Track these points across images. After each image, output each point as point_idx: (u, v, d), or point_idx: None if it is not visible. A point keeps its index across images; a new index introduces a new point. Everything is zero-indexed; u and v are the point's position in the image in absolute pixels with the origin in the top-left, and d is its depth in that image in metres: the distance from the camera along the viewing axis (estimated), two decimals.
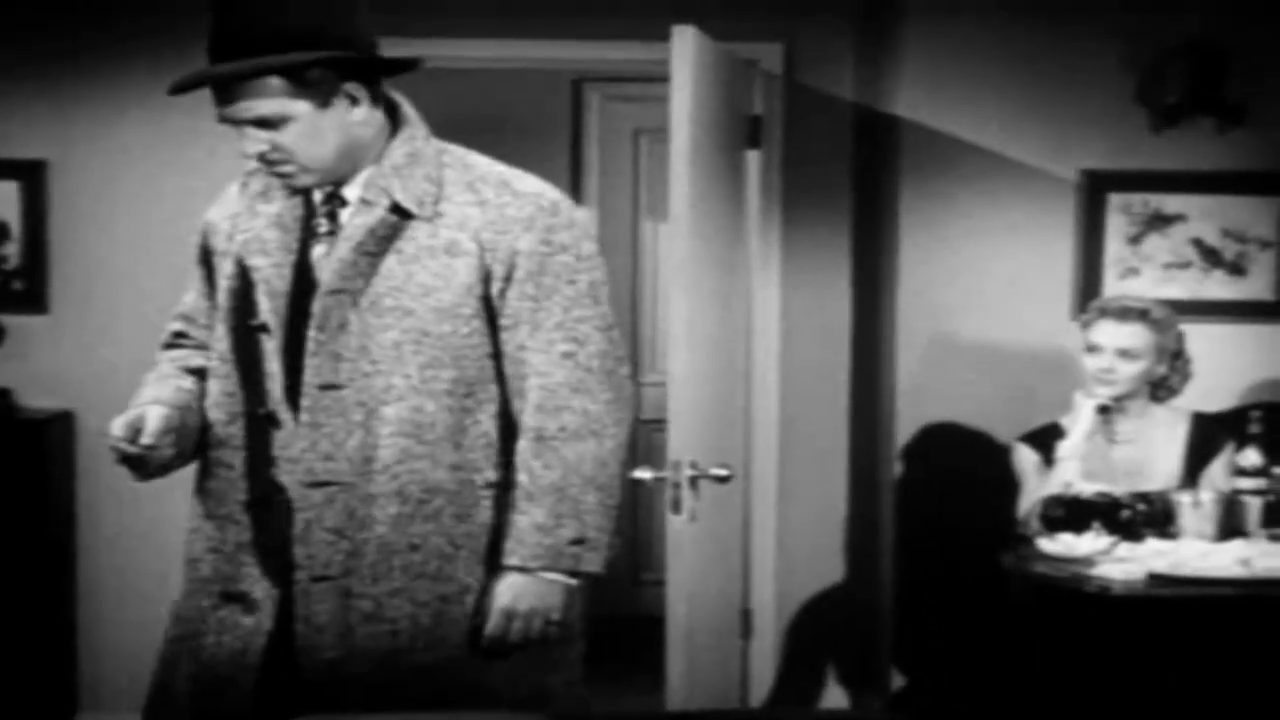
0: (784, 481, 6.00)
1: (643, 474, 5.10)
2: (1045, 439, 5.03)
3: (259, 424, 3.26)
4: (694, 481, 5.05)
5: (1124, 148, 5.84)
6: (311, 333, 3.19)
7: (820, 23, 5.89)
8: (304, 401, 3.20)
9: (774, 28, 5.89)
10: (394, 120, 3.29)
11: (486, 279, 3.22)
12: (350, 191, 3.25)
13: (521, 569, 3.22)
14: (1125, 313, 4.95)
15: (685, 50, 5.01)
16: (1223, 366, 5.81)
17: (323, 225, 3.26)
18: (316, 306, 3.19)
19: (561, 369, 3.24)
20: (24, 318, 5.86)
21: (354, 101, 3.19)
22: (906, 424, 5.94)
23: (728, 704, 5.99)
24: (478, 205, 3.23)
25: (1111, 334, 4.93)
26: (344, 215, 3.25)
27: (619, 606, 7.73)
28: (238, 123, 3.15)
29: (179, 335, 3.45)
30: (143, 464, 3.21)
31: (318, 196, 3.27)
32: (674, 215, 5.05)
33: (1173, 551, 4.49)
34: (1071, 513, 4.72)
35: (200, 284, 3.41)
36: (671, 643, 5.13)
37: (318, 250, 3.25)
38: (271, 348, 3.22)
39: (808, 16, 5.89)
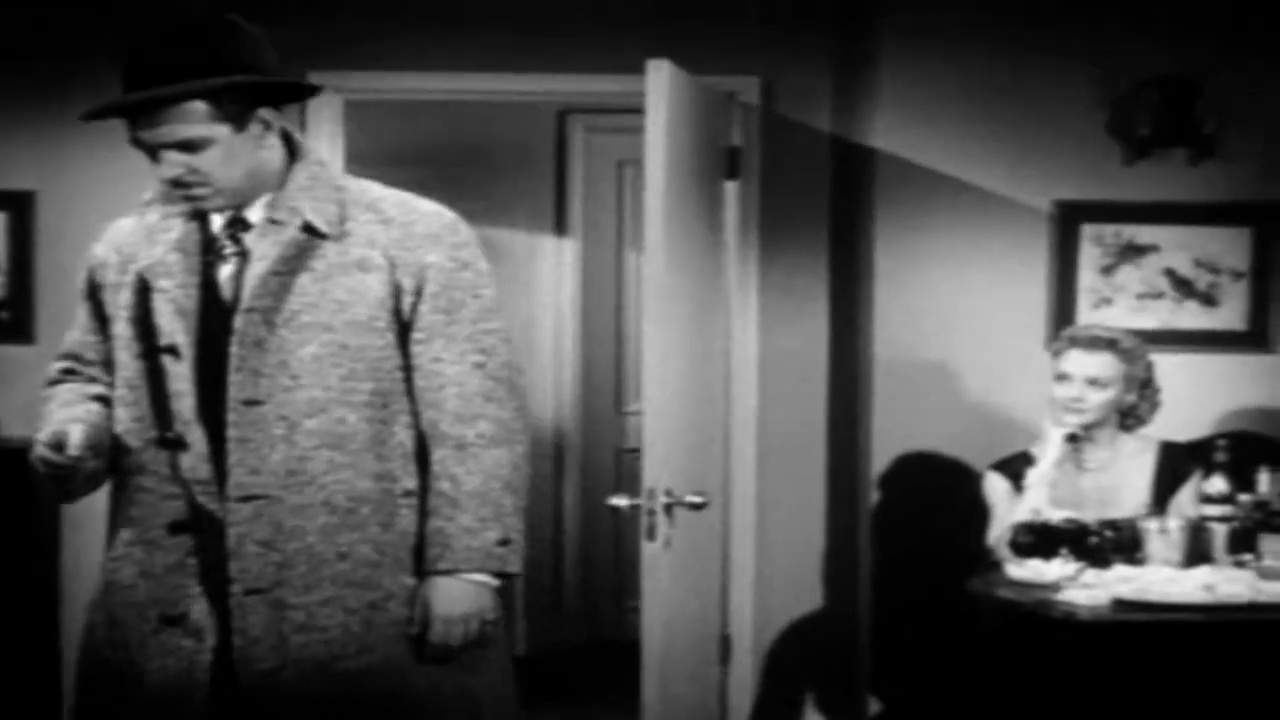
0: (762, 508, 6.07)
1: (619, 501, 5.21)
2: (1015, 467, 5.10)
3: (170, 446, 3.34)
4: (669, 509, 5.13)
5: (1097, 179, 5.91)
6: (234, 349, 3.29)
7: (798, 56, 5.98)
8: (230, 417, 3.29)
9: (753, 61, 5.99)
10: (290, 148, 3.42)
11: (397, 293, 3.35)
12: (253, 214, 3.37)
13: (452, 573, 3.34)
14: (1094, 342, 5.03)
15: (660, 84, 5.10)
16: (1196, 396, 5.88)
17: (228, 247, 3.37)
18: (237, 323, 3.30)
19: (474, 379, 3.37)
20: (10, 348, 5.95)
21: (266, 126, 3.33)
22: (882, 452, 6.00)
23: None
24: (382, 224, 3.37)
25: (1080, 363, 5.01)
26: (248, 237, 3.36)
27: (603, 632, 7.83)
28: (160, 146, 3.26)
29: (67, 373, 3.52)
30: (71, 476, 3.30)
31: (218, 221, 3.37)
32: (649, 247, 5.15)
33: (1139, 577, 4.54)
34: (1040, 539, 4.78)
35: (87, 319, 3.49)
36: (646, 667, 5.20)
37: (224, 271, 3.36)
38: (178, 369, 3.32)
39: (786, 50, 5.98)
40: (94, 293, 3.48)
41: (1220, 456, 4.83)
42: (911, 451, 5.94)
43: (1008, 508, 5.03)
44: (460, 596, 3.35)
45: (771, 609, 6.13)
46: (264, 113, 3.32)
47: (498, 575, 3.38)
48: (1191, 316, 5.95)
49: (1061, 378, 5.03)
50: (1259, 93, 5.87)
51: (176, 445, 3.33)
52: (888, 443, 6.00)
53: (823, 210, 6.03)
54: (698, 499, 5.19)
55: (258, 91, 3.29)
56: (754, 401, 6.07)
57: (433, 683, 3.38)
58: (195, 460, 3.32)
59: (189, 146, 3.24)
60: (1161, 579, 4.52)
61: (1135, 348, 5.07)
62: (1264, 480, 4.74)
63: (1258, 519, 4.69)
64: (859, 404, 6.02)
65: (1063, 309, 5.92)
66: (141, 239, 3.40)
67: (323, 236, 3.34)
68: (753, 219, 6.04)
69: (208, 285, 3.36)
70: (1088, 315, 5.88)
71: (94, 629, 3.44)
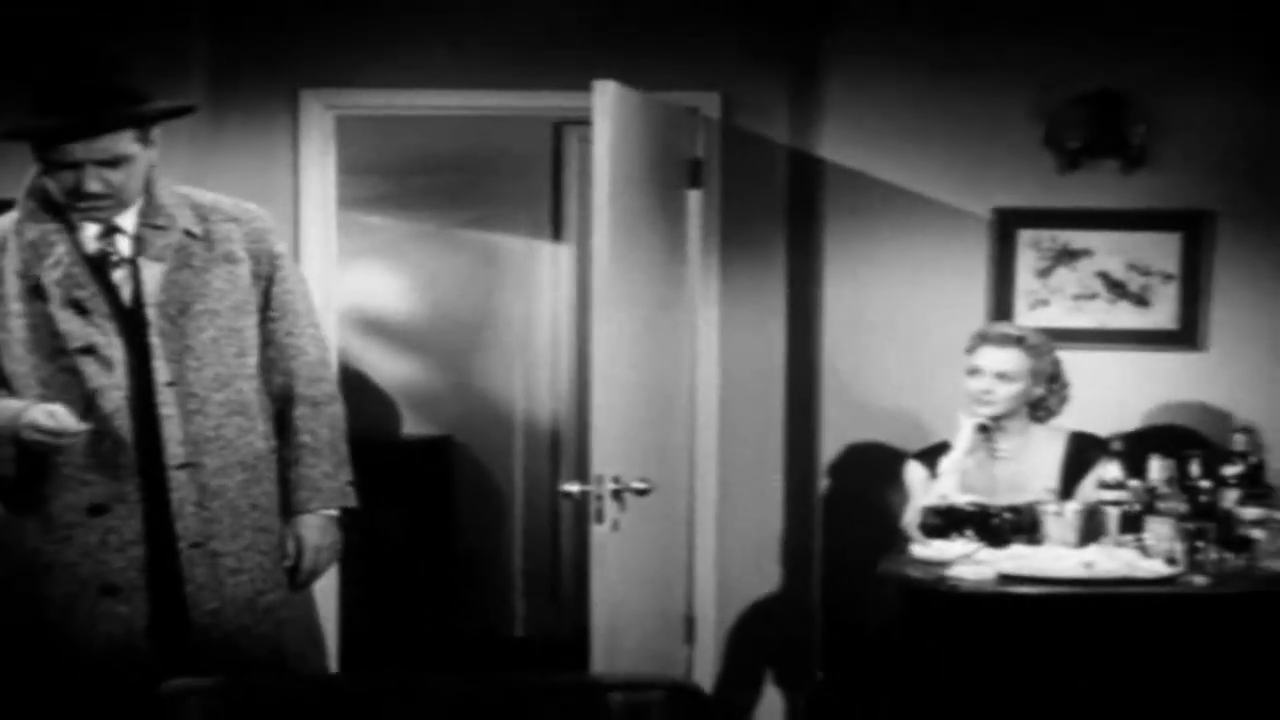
0: (724, 497, 6.46)
1: (570, 487, 5.64)
2: (934, 456, 5.50)
3: (97, 434, 3.84)
4: (617, 494, 5.54)
5: (1033, 188, 6.22)
6: (153, 341, 3.85)
7: (756, 74, 6.34)
8: (160, 398, 3.84)
9: (714, 78, 6.35)
10: None
11: (256, 279, 4.00)
12: (125, 222, 3.89)
13: (318, 511, 4.07)
14: (1004, 339, 5.42)
15: (606, 102, 5.50)
16: (1129, 391, 6.23)
17: (115, 255, 3.88)
18: (151, 318, 3.84)
19: (315, 348, 4.12)
20: None
21: (153, 145, 3.88)
22: (831, 443, 6.37)
23: None
24: (231, 222, 4.00)
25: (990, 359, 5.40)
26: (123, 243, 3.89)
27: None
28: (90, 162, 3.75)
29: None
30: (59, 449, 3.79)
31: (90, 231, 3.87)
32: (596, 253, 5.54)
33: (1029, 556, 4.93)
34: (946, 521, 5.18)
35: None
36: (595, 641, 5.59)
37: (118, 275, 3.88)
38: (95, 367, 3.83)
39: (744, 68, 6.34)
40: None
41: (1116, 446, 5.19)
42: (858, 442, 6.29)
43: (923, 493, 5.42)
44: (325, 529, 4.12)
45: (733, 591, 6.50)
46: (155, 133, 3.87)
47: (344, 510, 4.14)
48: (1124, 316, 6.26)
49: (973, 372, 5.42)
50: (1185, 107, 6.15)
51: (103, 431, 3.82)
52: (837, 434, 6.35)
53: (780, 217, 6.39)
54: (643, 485, 5.60)
55: (158, 115, 3.86)
56: (716, 396, 6.45)
57: (298, 604, 4.14)
58: (116, 445, 3.84)
59: (114, 163, 3.76)
60: (1050, 557, 4.90)
61: (1042, 344, 5.45)
62: (1154, 467, 5.07)
63: (1146, 503, 5.03)
64: (811, 398, 6.39)
65: (1001, 309, 6.24)
66: (29, 256, 3.84)
67: (194, 237, 3.92)
68: (714, 225, 6.42)
69: (107, 289, 3.87)
70: (1025, 316, 6.19)
71: (45, 604, 3.91)
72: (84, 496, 3.86)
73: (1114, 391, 6.21)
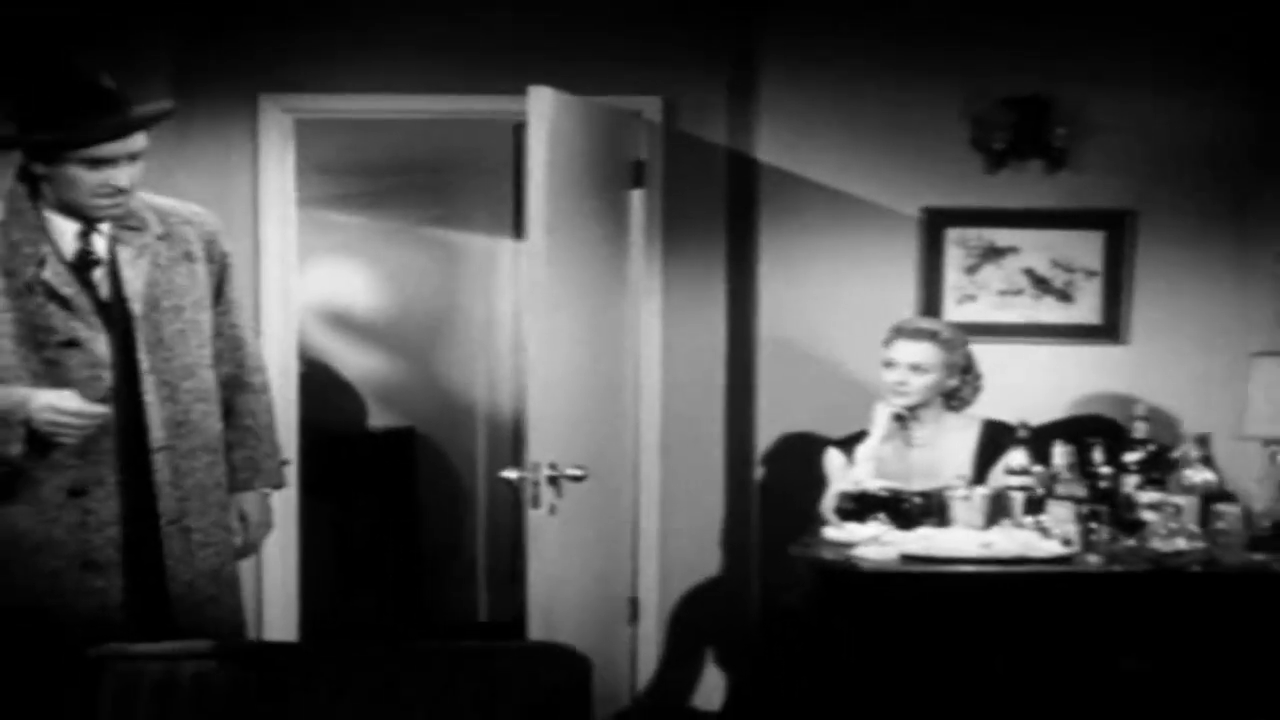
0: (667, 483, 6.74)
1: (509, 474, 5.90)
2: (853, 443, 5.76)
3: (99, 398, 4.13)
4: (554, 480, 5.80)
5: (961, 188, 6.49)
6: (139, 335, 4.14)
7: (696, 79, 6.62)
8: (145, 386, 4.15)
9: (655, 83, 6.63)
10: None
11: (210, 275, 4.34)
12: (101, 224, 4.16)
13: (259, 490, 4.45)
14: (917, 333, 5.68)
15: (541, 108, 5.75)
16: (1053, 383, 6.51)
17: (94, 253, 4.16)
18: (136, 311, 4.13)
19: (253, 339, 4.54)
20: None
21: None
22: (766, 433, 6.63)
23: (618, 681, 6.75)
24: (187, 224, 4.33)
25: (904, 351, 5.66)
26: (99, 243, 4.17)
27: None
28: (124, 157, 4.06)
29: None
30: (77, 436, 4.09)
31: (69, 230, 4.14)
32: (530, 253, 5.78)
33: (933, 537, 5.19)
34: (860, 505, 5.44)
35: None
36: (533, 618, 5.84)
37: (97, 273, 4.16)
38: (80, 358, 4.10)
39: (685, 73, 6.62)
40: None
41: (1022, 433, 5.43)
42: (792, 432, 6.55)
43: (841, 479, 5.68)
44: (265, 506, 4.51)
45: (676, 574, 6.79)
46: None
47: (276, 487, 4.55)
48: (1049, 311, 6.53)
49: (889, 364, 5.69)
50: (1106, 110, 6.41)
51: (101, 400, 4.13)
52: (770, 424, 6.62)
53: (720, 215, 6.66)
54: (579, 471, 5.86)
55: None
56: (659, 388, 6.73)
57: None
58: (98, 431, 4.11)
59: (135, 159, 4.11)
60: (951, 538, 5.16)
61: (954, 338, 5.71)
62: (1057, 454, 5.32)
63: (1048, 488, 5.29)
64: (749, 391, 6.66)
65: (930, 304, 6.50)
66: (13, 255, 4.10)
67: (159, 238, 4.21)
68: (657, 224, 6.69)
69: (87, 286, 4.14)
70: (954, 311, 6.46)
71: (35, 579, 4.17)
72: (64, 479, 4.13)
73: (1040, 383, 6.48)
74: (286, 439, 6.65)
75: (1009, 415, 5.75)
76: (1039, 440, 5.44)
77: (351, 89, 6.71)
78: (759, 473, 6.64)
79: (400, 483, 8.36)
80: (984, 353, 6.23)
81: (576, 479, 5.87)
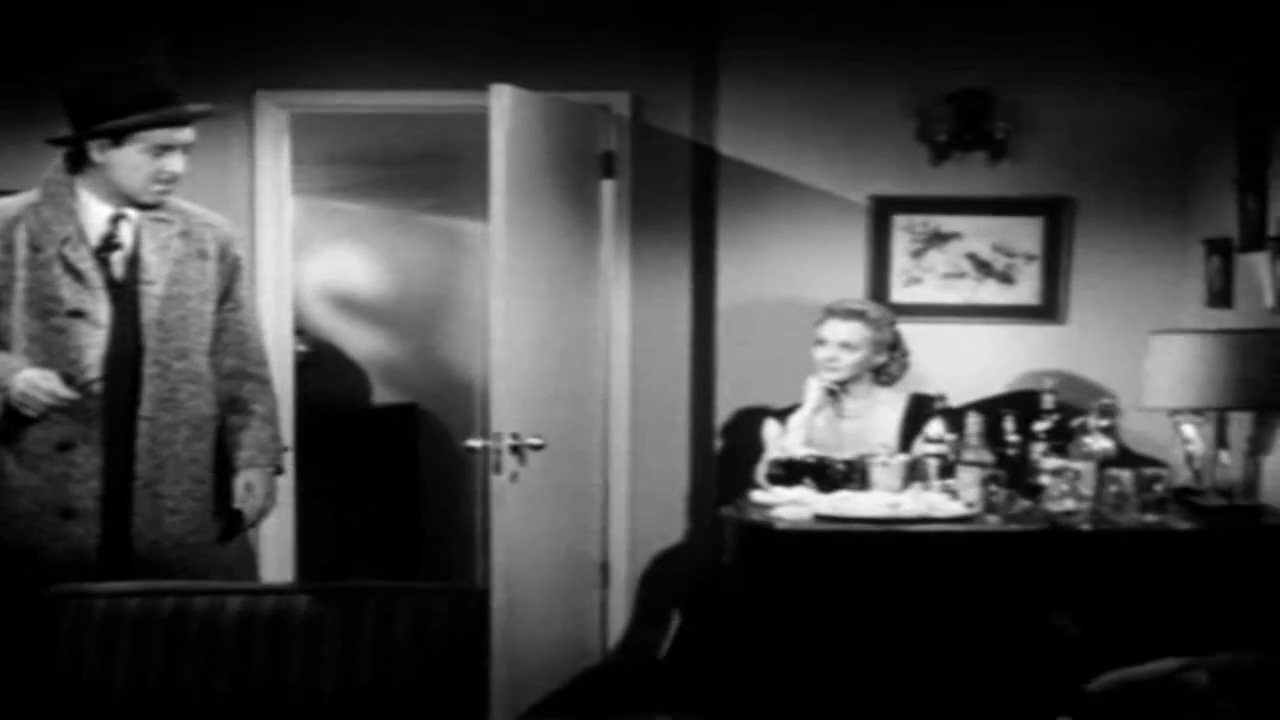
0: (635, 454, 7.19)
1: (474, 442, 6.36)
2: (789, 415, 6.19)
3: (69, 383, 4.64)
4: (516, 449, 6.27)
5: (907, 177, 6.88)
6: (147, 315, 4.68)
7: (661, 75, 7.07)
8: (144, 359, 4.68)
9: (624, 79, 7.09)
10: None
11: (220, 274, 4.86)
12: (131, 213, 4.71)
13: (264, 468, 4.93)
14: (847, 313, 6.12)
15: (502, 104, 6.21)
16: (995, 360, 6.90)
17: (117, 237, 4.71)
18: (147, 292, 4.68)
19: (258, 336, 5.03)
20: None
21: None
22: (725, 406, 7.06)
23: (588, 643, 7.20)
24: (206, 227, 4.83)
25: (835, 330, 6.10)
26: (126, 229, 4.71)
27: None
28: (184, 146, 4.69)
29: None
30: (46, 410, 4.61)
31: (99, 213, 4.69)
32: (493, 239, 6.20)
33: (848, 499, 5.61)
34: (788, 471, 5.87)
35: None
36: (495, 575, 6.29)
37: (116, 255, 4.71)
38: (82, 328, 4.63)
39: (651, 70, 7.07)
40: None
41: (939, 404, 5.85)
42: (748, 406, 6.95)
43: (775, 447, 6.12)
44: (269, 483, 4.98)
45: (644, 539, 7.25)
46: None
47: (278, 471, 5.01)
48: (991, 293, 6.93)
49: (821, 342, 6.13)
50: (1045, 103, 6.81)
51: (84, 384, 4.65)
52: (728, 398, 7.04)
53: (685, 203, 7.10)
54: (538, 441, 6.32)
55: None
56: (627, 364, 7.17)
57: (232, 549, 4.93)
58: (87, 394, 4.64)
59: (187, 149, 4.72)
60: (864, 500, 5.58)
61: (881, 318, 6.14)
62: (970, 423, 5.74)
63: (958, 455, 5.71)
64: (710, 366, 7.10)
65: (878, 287, 6.90)
66: (40, 230, 4.64)
67: (181, 234, 4.78)
68: (626, 211, 7.14)
69: (103, 265, 4.69)
70: (900, 293, 6.87)
71: (11, 520, 4.70)
72: (54, 434, 4.66)
73: (981, 360, 6.89)
74: (283, 416, 7.15)
75: (954, 391, 6.13)
76: (981, 414, 5.81)
77: (342, 86, 7.16)
78: (718, 443, 7.06)
79: (403, 455, 8.83)
80: (929, 332, 6.72)
81: (536, 448, 6.32)
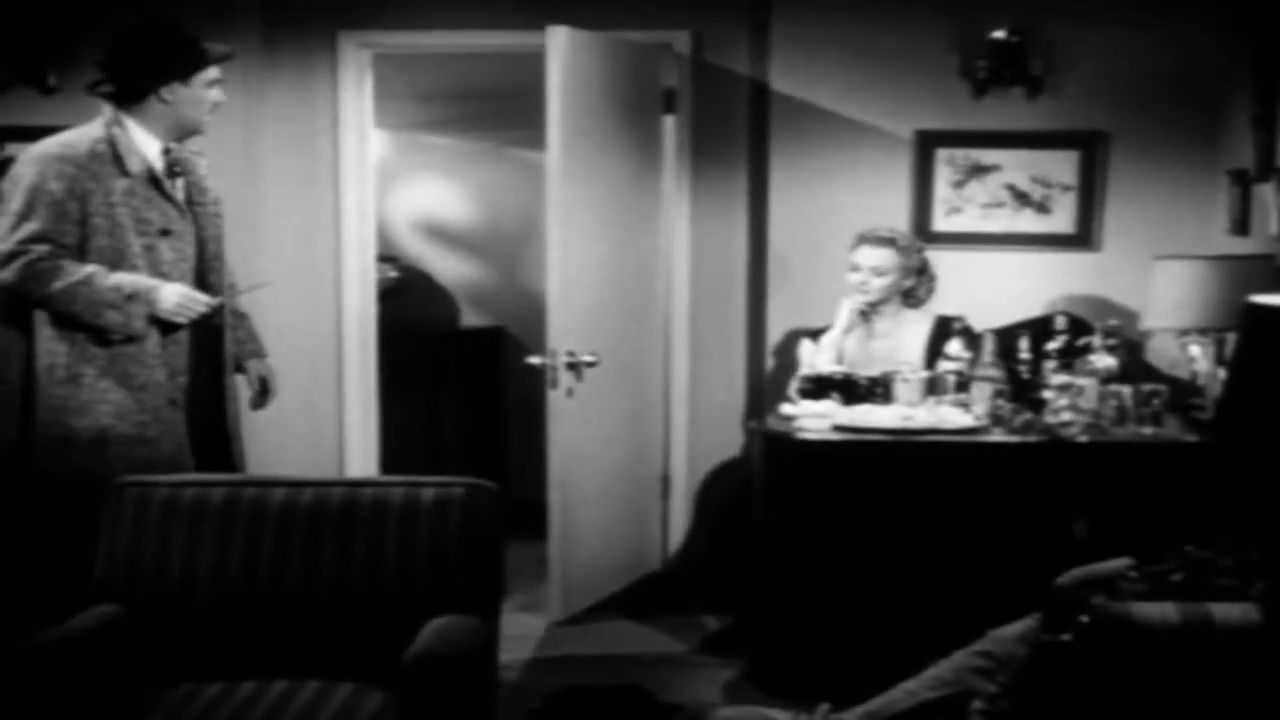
0: (695, 372, 7.65)
1: (533, 359, 6.85)
2: (821, 334, 6.62)
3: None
4: (572, 366, 6.76)
5: (949, 112, 7.23)
6: (208, 231, 5.43)
7: (722, 13, 7.47)
8: (210, 265, 5.45)
9: (685, 18, 7.50)
10: None
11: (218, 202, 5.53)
12: (173, 144, 5.36)
13: (264, 357, 5.68)
14: (878, 240, 6.52)
15: (558, 44, 6.68)
16: (1032, 286, 7.26)
17: (179, 166, 5.36)
18: (211, 210, 5.46)
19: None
20: None
21: None
22: (775, 328, 7.48)
23: (649, 551, 7.68)
24: (200, 156, 5.51)
25: (866, 256, 6.51)
26: (178, 158, 5.35)
27: None
28: (220, 81, 5.38)
29: (49, 252, 5.17)
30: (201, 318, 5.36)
31: (155, 148, 5.29)
32: (550, 171, 6.74)
33: (868, 412, 6.02)
34: (817, 386, 6.29)
35: (64, 213, 5.15)
36: (551, 484, 6.82)
37: (177, 183, 5.36)
38: (166, 245, 5.27)
39: (711, 9, 7.47)
40: (80, 195, 5.18)
41: (958, 325, 6.24)
42: (796, 329, 7.36)
43: (808, 364, 6.55)
44: (272, 369, 5.70)
45: (703, 454, 7.70)
46: None
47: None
48: (1028, 222, 7.29)
49: (854, 268, 6.54)
50: (1080, 40, 7.13)
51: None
52: (779, 321, 7.47)
53: (742, 136, 7.51)
54: (592, 358, 6.82)
55: None
56: (688, 287, 7.62)
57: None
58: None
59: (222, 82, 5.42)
60: (879, 413, 5.99)
61: (910, 244, 6.55)
62: (986, 342, 6.13)
63: (974, 372, 6.11)
64: (763, 290, 7.52)
65: (921, 216, 7.28)
66: (108, 161, 5.20)
67: (207, 164, 5.47)
68: (687, 144, 7.57)
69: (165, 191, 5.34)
70: (942, 222, 7.25)
71: (135, 413, 5.27)
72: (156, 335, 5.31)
73: (1019, 286, 7.25)
74: (365, 336, 7.70)
75: (994, 315, 6.56)
76: (1000, 334, 6.20)
77: (422, 25, 7.62)
78: (770, 363, 7.49)
79: (489, 374, 9.35)
80: (969, 260, 7.10)
81: (591, 365, 6.80)
